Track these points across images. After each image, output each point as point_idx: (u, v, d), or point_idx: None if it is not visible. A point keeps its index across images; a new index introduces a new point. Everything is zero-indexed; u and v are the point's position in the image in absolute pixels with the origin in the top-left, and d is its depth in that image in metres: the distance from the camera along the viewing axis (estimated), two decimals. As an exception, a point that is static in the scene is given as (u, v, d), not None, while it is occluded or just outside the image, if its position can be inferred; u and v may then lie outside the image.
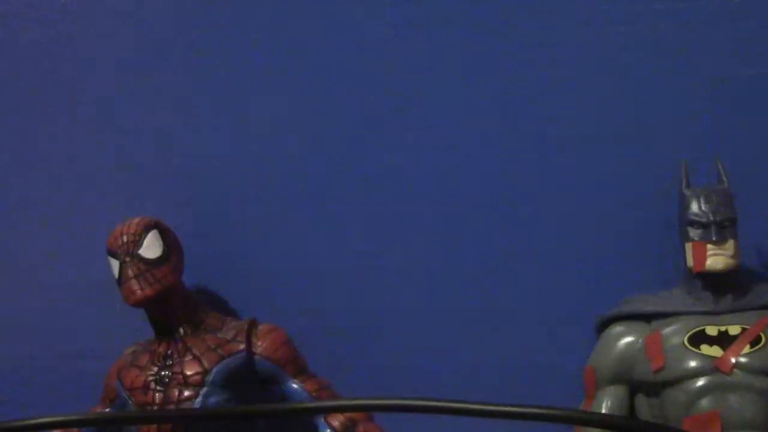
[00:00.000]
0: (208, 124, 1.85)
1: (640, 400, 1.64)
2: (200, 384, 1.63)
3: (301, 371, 1.67)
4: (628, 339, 1.64)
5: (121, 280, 1.65)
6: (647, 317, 1.65)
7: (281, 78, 1.83)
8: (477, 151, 1.79)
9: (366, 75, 1.81)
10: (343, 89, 1.82)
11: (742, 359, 1.55)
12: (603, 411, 1.62)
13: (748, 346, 1.56)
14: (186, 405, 1.61)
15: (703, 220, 1.60)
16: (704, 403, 1.55)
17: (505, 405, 0.92)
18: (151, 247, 1.65)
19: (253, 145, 1.83)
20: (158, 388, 1.63)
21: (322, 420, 1.63)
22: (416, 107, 1.80)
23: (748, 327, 1.58)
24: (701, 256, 1.60)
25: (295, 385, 1.66)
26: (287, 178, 1.83)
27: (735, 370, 1.55)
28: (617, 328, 1.65)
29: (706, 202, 1.61)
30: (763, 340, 1.57)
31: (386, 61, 1.81)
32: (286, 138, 1.83)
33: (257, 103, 1.84)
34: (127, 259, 1.64)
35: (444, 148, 1.79)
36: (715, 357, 1.56)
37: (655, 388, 1.60)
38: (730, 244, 1.60)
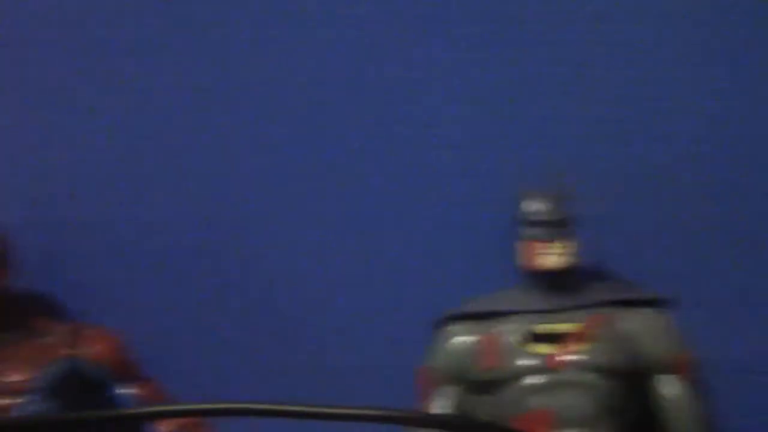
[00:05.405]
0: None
1: (477, 399, 1.65)
2: (23, 391, 1.58)
3: (132, 376, 1.64)
4: (463, 339, 1.65)
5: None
6: (483, 317, 1.66)
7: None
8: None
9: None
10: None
11: (573, 357, 1.58)
12: (439, 410, 1.64)
13: (579, 344, 1.59)
14: (6, 414, 1.56)
15: (535, 219, 1.63)
16: (536, 400, 1.57)
17: (340, 407, 0.90)
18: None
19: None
20: (-21, 396, 1.58)
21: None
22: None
23: (579, 325, 1.61)
24: (532, 254, 1.63)
25: (125, 391, 1.63)
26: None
27: (566, 368, 1.58)
28: (452, 328, 1.67)
29: (539, 202, 1.64)
30: (594, 338, 1.60)
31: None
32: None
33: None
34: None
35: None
36: (547, 355, 1.59)
37: (490, 386, 1.62)
38: (562, 243, 1.62)
